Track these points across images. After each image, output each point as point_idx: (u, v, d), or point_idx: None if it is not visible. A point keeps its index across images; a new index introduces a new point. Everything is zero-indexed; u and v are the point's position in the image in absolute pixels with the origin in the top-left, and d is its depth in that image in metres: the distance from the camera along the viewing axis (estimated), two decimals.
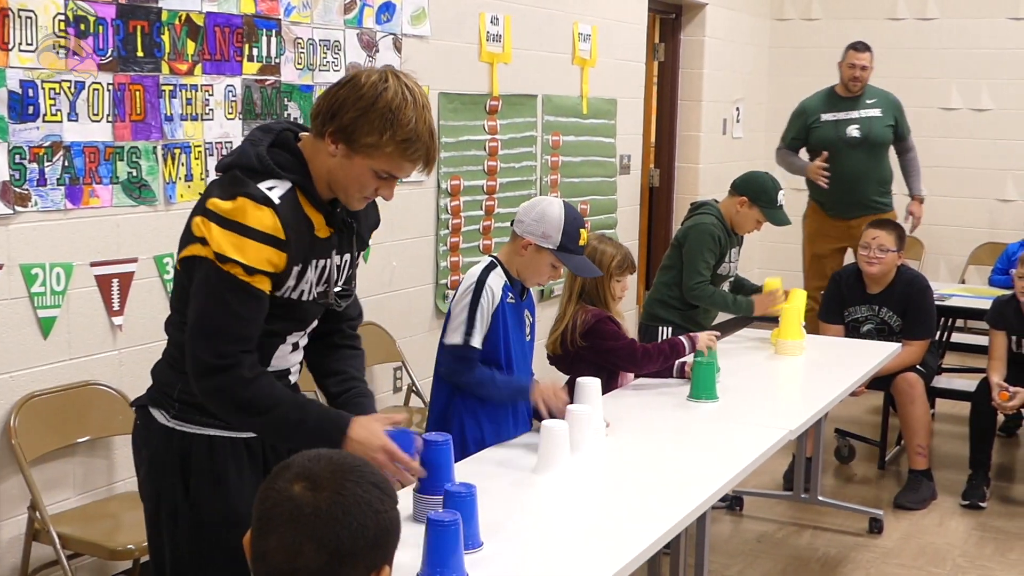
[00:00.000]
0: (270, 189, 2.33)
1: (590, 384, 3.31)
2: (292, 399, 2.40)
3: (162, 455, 2.49)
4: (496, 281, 3.34)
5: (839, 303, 5.53)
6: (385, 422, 2.44)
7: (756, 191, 4.82)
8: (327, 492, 1.48)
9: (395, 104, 2.30)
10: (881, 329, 5.40)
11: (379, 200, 2.56)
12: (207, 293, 2.33)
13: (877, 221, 5.54)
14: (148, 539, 2.60)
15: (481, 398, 3.34)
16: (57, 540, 3.43)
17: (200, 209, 2.34)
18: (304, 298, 2.46)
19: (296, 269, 2.39)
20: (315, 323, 2.61)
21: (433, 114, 2.41)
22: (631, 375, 4.09)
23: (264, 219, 2.29)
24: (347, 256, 2.55)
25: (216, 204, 2.30)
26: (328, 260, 2.48)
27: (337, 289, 2.55)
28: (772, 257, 8.92)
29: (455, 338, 3.29)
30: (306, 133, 2.46)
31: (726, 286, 4.89)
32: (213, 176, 2.49)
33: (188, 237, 2.38)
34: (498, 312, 3.33)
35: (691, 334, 3.98)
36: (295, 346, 2.57)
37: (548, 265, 3.36)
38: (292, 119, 2.47)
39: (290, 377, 2.59)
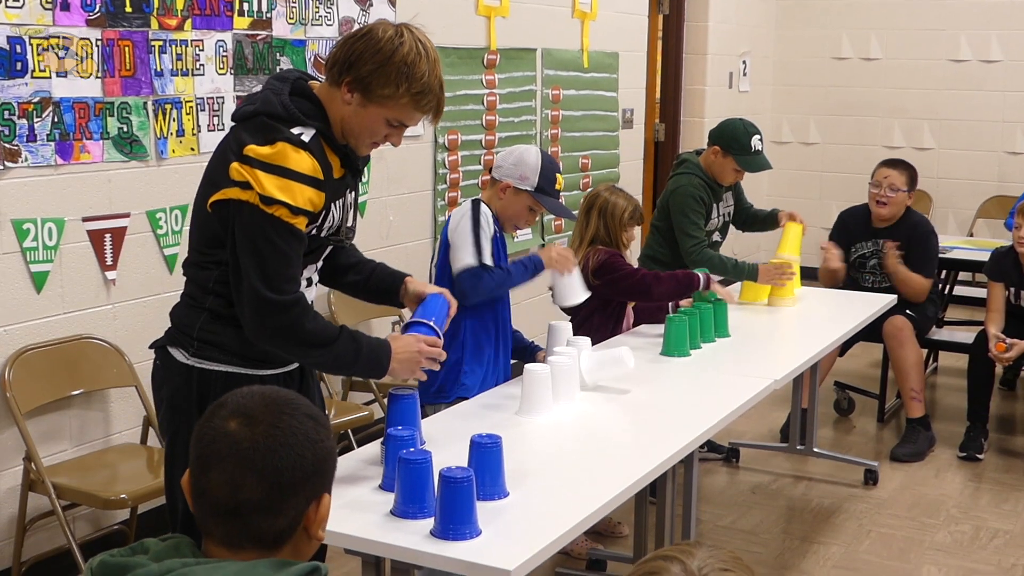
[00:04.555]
0: (299, 135, 2.46)
1: (561, 327, 3.51)
2: (347, 332, 2.55)
3: (182, 392, 2.59)
4: (487, 211, 3.44)
5: (844, 242, 5.56)
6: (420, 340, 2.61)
7: (727, 139, 4.68)
8: (263, 426, 1.52)
9: (410, 58, 2.47)
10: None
11: (376, 154, 2.73)
12: (256, 236, 2.44)
13: (890, 160, 5.56)
14: (165, 480, 2.71)
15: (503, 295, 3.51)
16: (52, 490, 3.49)
17: (236, 155, 2.44)
18: (325, 235, 2.60)
19: (325, 210, 2.54)
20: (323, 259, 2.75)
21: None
22: (630, 321, 4.14)
23: (303, 161, 2.43)
24: (354, 193, 2.72)
25: (255, 150, 2.42)
26: (346, 199, 2.65)
27: (349, 224, 2.72)
28: (790, 187, 8.87)
29: (468, 260, 3.36)
30: (315, 82, 2.59)
31: (717, 236, 4.85)
32: (228, 126, 2.62)
33: (218, 181, 2.47)
34: (494, 239, 3.43)
35: (708, 276, 4.09)
36: (309, 282, 2.68)
37: (526, 207, 3.48)
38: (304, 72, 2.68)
39: None
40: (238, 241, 2.46)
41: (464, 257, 3.34)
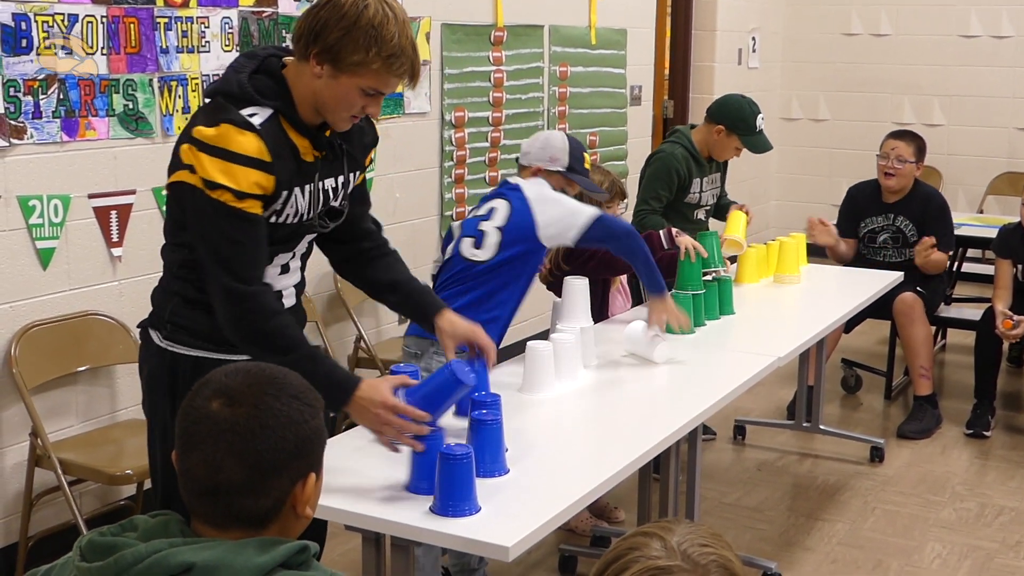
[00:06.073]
0: (251, 116, 2.38)
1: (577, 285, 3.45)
2: (309, 350, 2.42)
3: (157, 375, 2.59)
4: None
5: (853, 217, 5.57)
6: (395, 383, 2.43)
7: (733, 119, 4.55)
8: (244, 407, 1.50)
9: (377, 21, 2.35)
10: (896, 238, 5.45)
11: (381, 131, 2.61)
12: (205, 223, 2.40)
13: (897, 132, 5.56)
14: (148, 457, 2.70)
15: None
16: (58, 466, 3.51)
17: (186, 137, 2.41)
18: (289, 222, 2.51)
19: (284, 194, 2.45)
20: (305, 247, 2.66)
21: (413, 30, 2.48)
22: (619, 302, 4.12)
23: (248, 144, 2.35)
24: (340, 178, 2.61)
25: (201, 131, 2.37)
26: (316, 184, 2.54)
27: (334, 206, 2.62)
28: (800, 164, 8.85)
29: (587, 210, 3.30)
30: (290, 57, 2.49)
31: (702, 214, 4.75)
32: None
33: (176, 163, 2.44)
34: None
35: (671, 229, 3.94)
36: (284, 268, 2.62)
37: (559, 189, 3.44)
38: (283, 45, 2.56)
39: (283, 300, 2.63)
40: (192, 226, 2.42)
41: (583, 209, 3.27)
